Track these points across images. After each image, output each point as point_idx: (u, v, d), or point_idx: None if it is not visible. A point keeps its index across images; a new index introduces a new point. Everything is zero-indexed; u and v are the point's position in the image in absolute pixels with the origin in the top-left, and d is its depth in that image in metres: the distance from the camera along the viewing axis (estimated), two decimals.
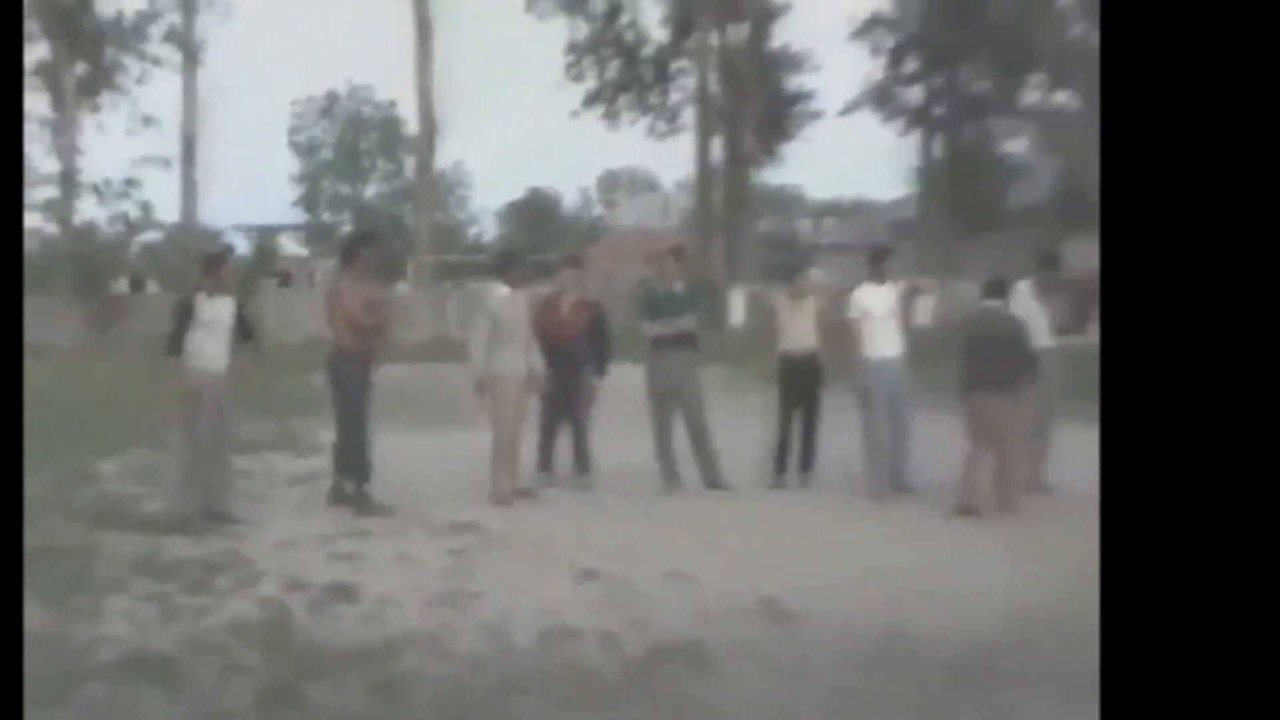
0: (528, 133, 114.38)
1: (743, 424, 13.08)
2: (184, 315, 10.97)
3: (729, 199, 45.85)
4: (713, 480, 12.36)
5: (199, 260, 11.95)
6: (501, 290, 12.26)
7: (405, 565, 9.29)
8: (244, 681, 6.64)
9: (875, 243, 15.28)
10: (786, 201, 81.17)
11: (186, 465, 11.06)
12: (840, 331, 12.19)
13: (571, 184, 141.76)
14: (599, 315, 13.01)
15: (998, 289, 11.70)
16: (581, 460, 12.75)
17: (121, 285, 49.61)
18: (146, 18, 46.70)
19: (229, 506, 11.08)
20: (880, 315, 12.02)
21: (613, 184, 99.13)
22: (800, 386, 12.57)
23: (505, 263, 12.76)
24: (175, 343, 10.96)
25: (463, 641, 7.39)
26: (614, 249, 63.03)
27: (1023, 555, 9.51)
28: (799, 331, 12.57)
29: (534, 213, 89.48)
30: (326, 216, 77.89)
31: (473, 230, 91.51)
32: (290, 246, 71.32)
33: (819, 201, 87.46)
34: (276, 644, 7.33)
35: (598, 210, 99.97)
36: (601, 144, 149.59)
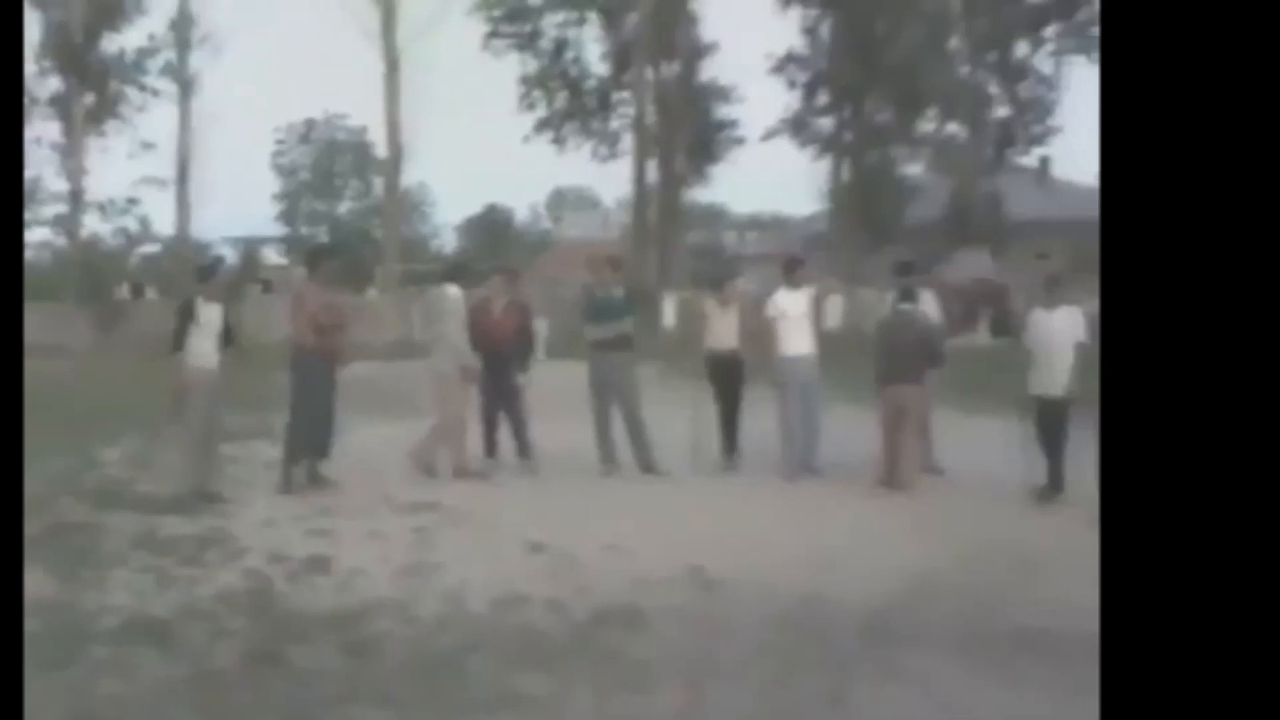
0: (485, 156, 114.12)
1: (674, 415, 13.09)
2: (185, 316, 10.99)
3: (663, 215, 45.96)
4: (647, 465, 12.36)
5: (195, 270, 11.82)
6: (456, 292, 12.42)
7: (373, 540, 9.26)
8: (231, 644, 6.64)
9: (790, 253, 15.32)
10: (714, 217, 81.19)
11: (181, 451, 11.08)
12: (759, 332, 12.28)
13: (523, 201, 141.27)
14: (527, 316, 13.15)
15: (910, 294, 11.83)
16: (524, 446, 12.74)
17: (123, 292, 49.31)
18: (146, 54, 46.42)
19: (219, 488, 11.06)
20: (794, 317, 12.06)
21: (560, 201, 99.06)
22: (725, 381, 12.61)
23: (458, 270, 12.93)
24: (179, 340, 10.94)
25: (425, 607, 7.38)
26: (560, 259, 62.89)
27: (920, 529, 9.62)
28: (724, 332, 12.60)
29: (489, 227, 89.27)
30: (304, 230, 77.54)
31: (435, 243, 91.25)
32: (272, 257, 71.06)
33: (742, 217, 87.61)
34: (260, 610, 7.34)
35: (546, 224, 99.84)
36: (550, 166, 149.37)
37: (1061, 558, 8.63)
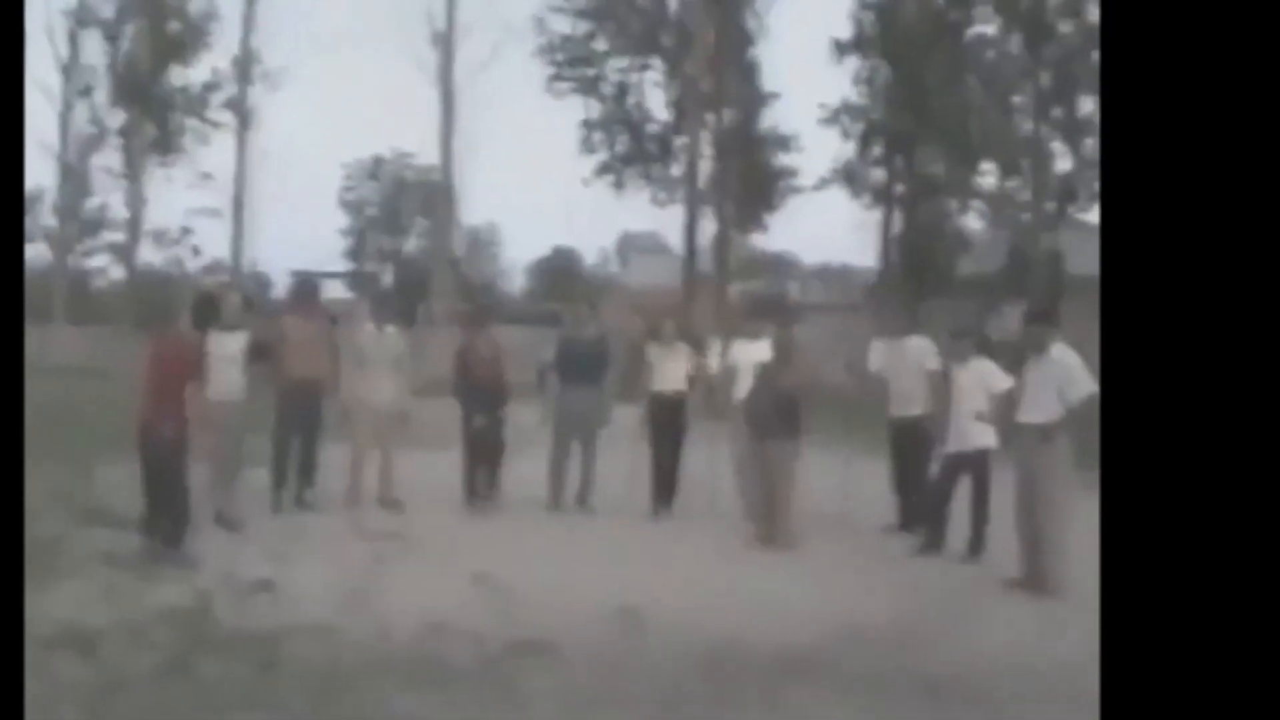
0: (550, 197, 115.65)
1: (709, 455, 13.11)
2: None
3: (718, 261, 46.14)
4: (581, 499, 12.72)
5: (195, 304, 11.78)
6: (368, 327, 12.87)
7: (328, 565, 9.53)
8: (150, 655, 6.98)
9: (761, 297, 15.45)
10: (784, 265, 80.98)
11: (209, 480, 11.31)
12: (711, 380, 12.51)
13: (593, 244, 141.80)
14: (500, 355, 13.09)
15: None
16: (493, 485, 12.88)
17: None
18: (210, 88, 47.69)
19: (238, 514, 11.31)
20: (745, 368, 12.02)
21: (629, 245, 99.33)
22: (669, 424, 12.61)
23: (377, 303, 13.24)
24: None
25: (351, 630, 7.66)
26: (623, 303, 63.07)
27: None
28: (670, 375, 12.70)
29: (556, 269, 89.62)
30: (370, 266, 78.37)
31: (501, 283, 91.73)
32: (338, 290, 71.57)
33: (812, 266, 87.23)
34: (190, 626, 7.66)
35: (614, 268, 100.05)
36: (619, 209, 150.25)
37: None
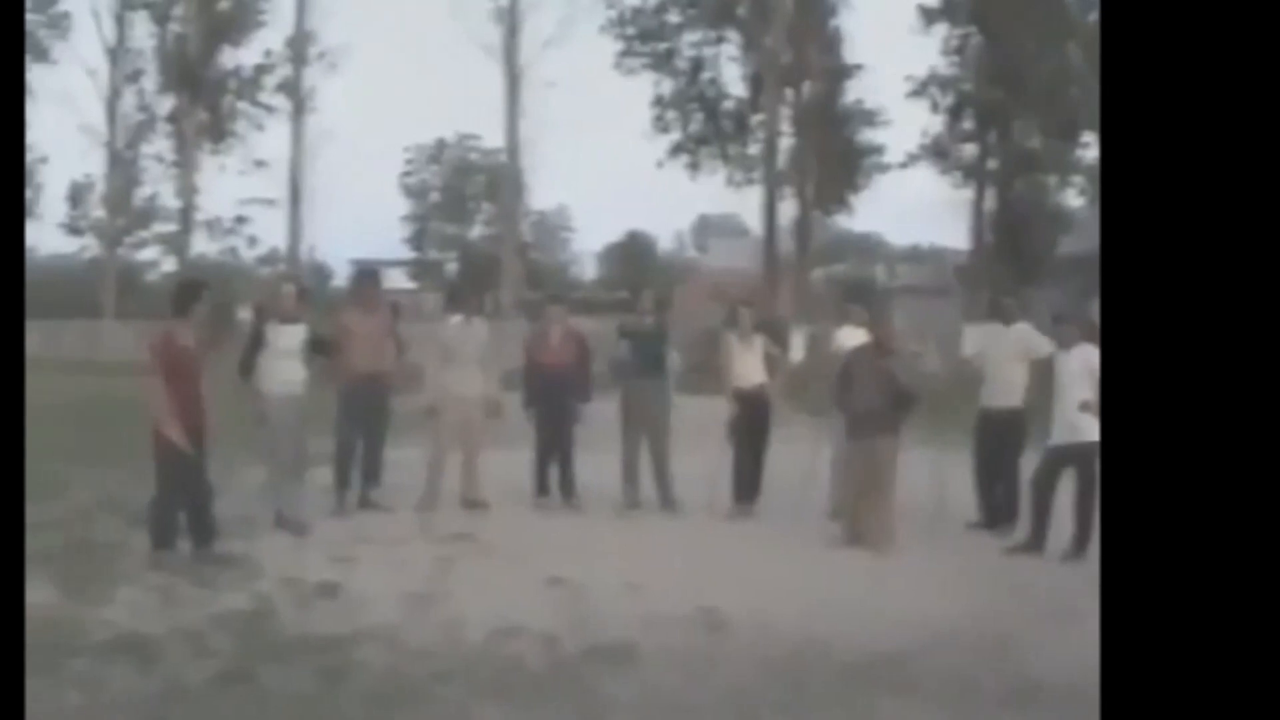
0: (623, 179, 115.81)
1: (792, 451, 13.13)
2: (254, 341, 11.31)
3: (801, 244, 45.94)
4: (666, 501, 12.59)
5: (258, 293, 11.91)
6: (454, 319, 12.86)
7: (395, 568, 9.64)
8: (209, 663, 7.05)
9: (858, 283, 15.38)
10: (870, 247, 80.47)
11: (267, 476, 11.63)
12: (793, 372, 12.41)
13: (668, 227, 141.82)
14: (584, 346, 13.00)
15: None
16: (568, 484, 12.80)
17: (245, 312, 50.75)
18: (263, 70, 48.23)
19: (301, 516, 11.31)
20: None
21: (706, 228, 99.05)
22: (750, 420, 12.46)
23: (454, 294, 13.16)
24: (246, 366, 11.30)
25: (419, 636, 7.73)
26: (701, 289, 62.91)
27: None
28: (748, 369, 12.55)
29: (631, 254, 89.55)
30: (434, 254, 78.61)
31: (573, 269, 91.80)
32: (400, 280, 71.85)
33: (900, 248, 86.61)
34: (252, 632, 7.75)
35: (692, 252, 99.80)
36: (691, 191, 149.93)
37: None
